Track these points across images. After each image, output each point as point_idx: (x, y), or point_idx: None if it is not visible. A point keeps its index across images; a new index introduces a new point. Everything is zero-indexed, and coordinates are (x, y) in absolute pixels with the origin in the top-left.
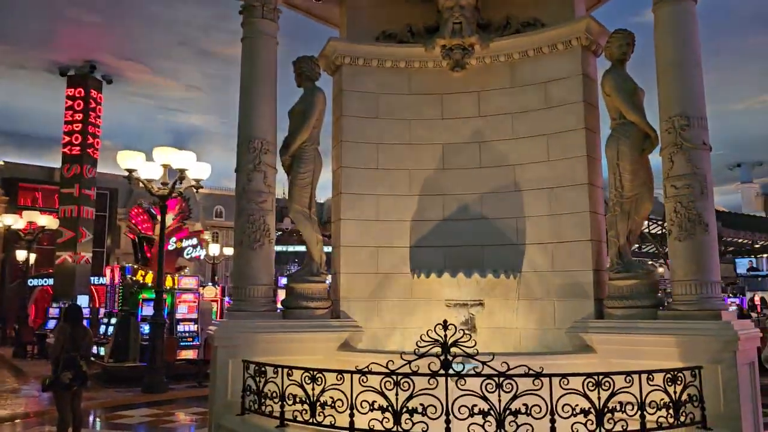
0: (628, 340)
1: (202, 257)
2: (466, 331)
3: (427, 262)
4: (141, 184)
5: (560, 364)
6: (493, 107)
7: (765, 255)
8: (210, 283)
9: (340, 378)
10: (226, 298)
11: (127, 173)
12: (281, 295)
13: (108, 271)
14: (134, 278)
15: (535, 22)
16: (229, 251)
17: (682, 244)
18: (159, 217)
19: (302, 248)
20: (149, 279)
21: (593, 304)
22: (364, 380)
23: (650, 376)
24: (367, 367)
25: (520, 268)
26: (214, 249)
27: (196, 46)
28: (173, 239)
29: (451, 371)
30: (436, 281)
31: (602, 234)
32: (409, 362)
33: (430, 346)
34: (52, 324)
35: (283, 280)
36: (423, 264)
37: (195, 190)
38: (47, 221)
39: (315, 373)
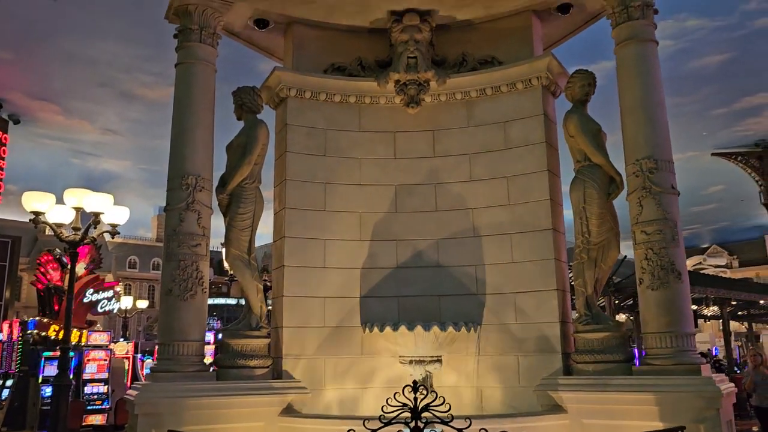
0: (603, 398)
1: (114, 311)
2: (430, 391)
3: (380, 314)
4: (49, 230)
5: (532, 426)
6: (449, 147)
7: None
8: (122, 339)
9: None
10: (139, 355)
11: (33, 216)
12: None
13: (5, 327)
14: (40, 333)
15: (492, 60)
16: (142, 304)
17: (654, 293)
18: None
19: (222, 300)
20: (57, 333)
21: (561, 359)
22: None
23: None
24: None
25: (480, 320)
26: (126, 302)
27: (117, 88)
28: (90, 291)
29: None
30: (390, 335)
31: (566, 283)
32: (374, 431)
33: (399, 411)
34: None
35: (209, 336)
36: (375, 316)
37: (107, 238)
38: None
39: None
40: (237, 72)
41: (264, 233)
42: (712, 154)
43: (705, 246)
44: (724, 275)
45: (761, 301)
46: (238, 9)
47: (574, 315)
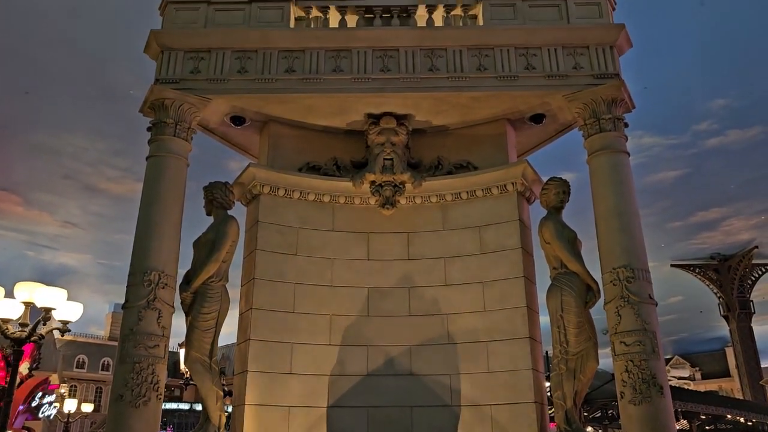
0: None
1: (51, 416)
2: None
3: (348, 426)
4: None
5: None
6: (424, 250)
7: None
8: None
9: None
10: None
11: None
12: None
13: None
14: None
15: (467, 164)
16: (87, 408)
17: (637, 409)
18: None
19: (174, 405)
20: None
21: None
22: None
23: None
24: None
25: None
26: (70, 405)
27: (81, 181)
28: (39, 394)
29: None
30: None
31: (544, 395)
32: None
33: None
34: None
35: None
36: (343, 428)
37: (56, 335)
38: None
39: None
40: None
41: (224, 332)
42: (671, 265)
43: (668, 357)
44: (687, 387)
45: (728, 416)
46: (216, 105)
47: (554, 430)
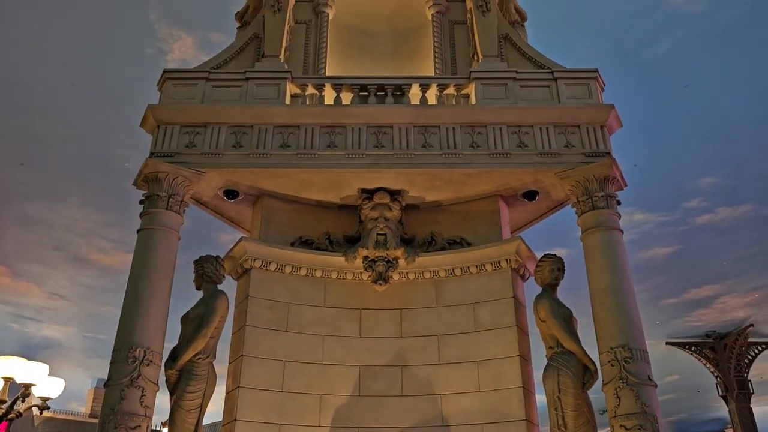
0: None
1: None
2: None
3: None
4: None
5: None
6: (417, 327)
7: None
8: None
9: None
10: None
11: None
12: None
13: None
14: None
15: (461, 240)
16: None
17: None
18: None
19: None
20: None
21: None
22: None
23: None
24: None
25: None
26: None
27: (71, 252)
28: None
29: None
30: None
31: None
32: None
33: None
34: None
35: None
36: None
37: (36, 413)
38: None
39: None
40: (198, 242)
41: (209, 411)
42: (667, 343)
43: None
44: None
45: None
46: (210, 179)
47: None
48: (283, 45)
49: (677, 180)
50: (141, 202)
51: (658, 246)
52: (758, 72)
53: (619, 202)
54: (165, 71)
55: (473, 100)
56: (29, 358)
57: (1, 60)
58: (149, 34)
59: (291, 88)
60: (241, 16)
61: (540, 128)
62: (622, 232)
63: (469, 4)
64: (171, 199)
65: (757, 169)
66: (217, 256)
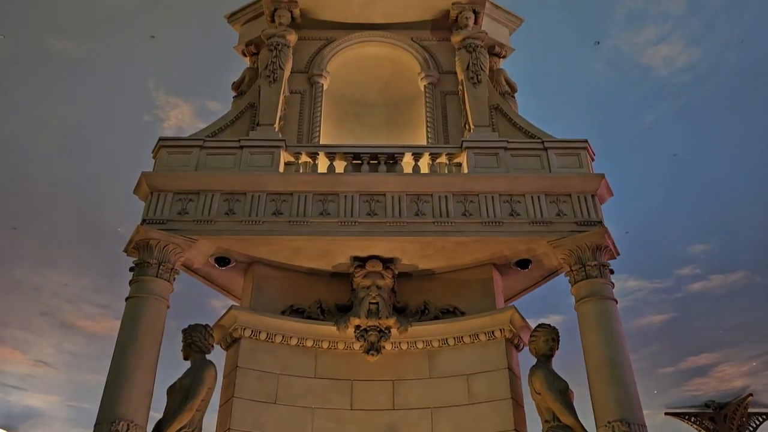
0: None
1: None
2: None
3: None
4: None
5: None
6: (409, 399)
7: None
8: None
9: None
10: None
11: None
12: None
13: None
14: None
15: (454, 309)
16: None
17: None
18: None
19: None
20: None
21: None
22: None
23: None
24: None
25: None
26: None
27: (58, 318)
28: None
29: None
30: None
31: None
32: None
33: None
34: None
35: None
36: None
37: None
38: None
39: None
40: (188, 308)
41: None
42: (666, 413)
43: None
44: None
45: None
46: (201, 246)
47: None
48: (278, 114)
49: (670, 247)
50: (131, 269)
51: (652, 313)
52: (745, 141)
53: (612, 271)
54: (160, 139)
55: (465, 169)
56: (10, 429)
57: None
58: (147, 101)
59: (285, 157)
60: (237, 86)
61: (531, 197)
62: (616, 301)
63: (461, 76)
64: (161, 267)
65: (749, 236)
66: (206, 325)
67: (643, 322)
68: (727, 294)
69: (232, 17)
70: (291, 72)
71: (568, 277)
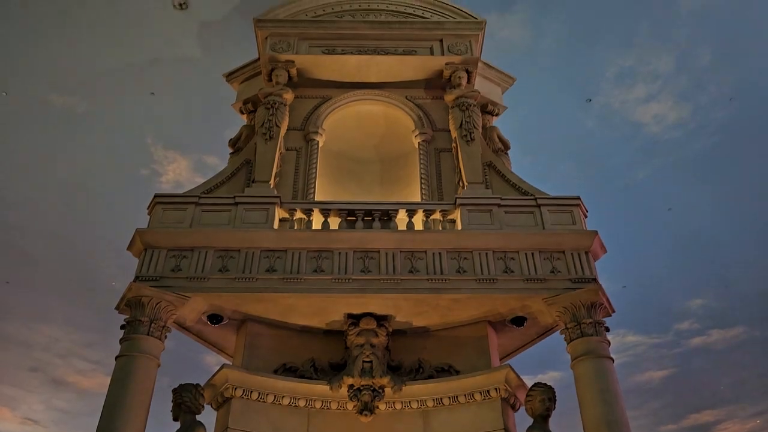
0: None
1: None
2: None
3: None
4: None
5: None
6: None
7: None
8: None
9: None
10: None
11: None
12: None
13: None
14: None
15: (449, 368)
16: None
17: None
18: None
19: None
20: None
21: None
22: None
23: None
24: None
25: None
26: None
27: (49, 374)
28: None
29: None
30: None
31: None
32: None
33: None
34: None
35: None
36: None
37: None
38: None
39: None
40: (180, 364)
41: None
42: None
43: None
44: None
45: None
46: (194, 303)
47: None
48: (274, 171)
49: (667, 301)
50: (122, 327)
51: (652, 369)
52: (739, 196)
53: (607, 329)
54: (155, 195)
55: (459, 226)
56: None
57: None
58: (145, 156)
59: (279, 213)
60: (234, 143)
61: (525, 254)
62: (613, 360)
63: (454, 134)
64: (153, 325)
65: (746, 290)
66: (197, 385)
67: (644, 378)
68: (728, 349)
69: (230, 76)
70: (287, 129)
71: (564, 335)
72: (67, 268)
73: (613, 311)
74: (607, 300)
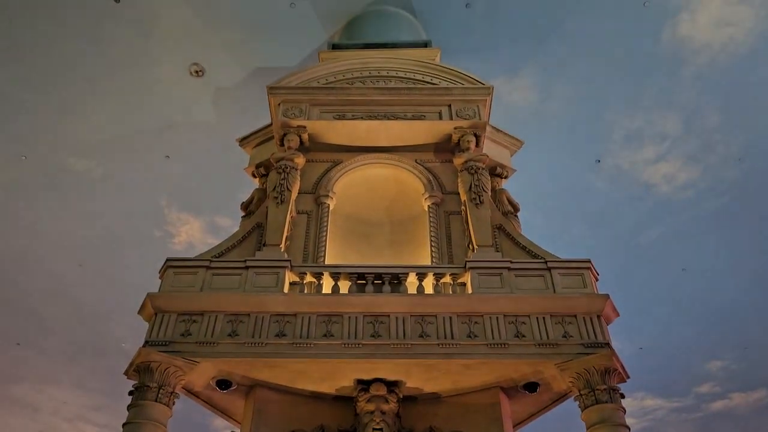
0: None
1: None
2: None
3: None
4: None
5: None
6: None
7: None
8: None
9: None
10: None
11: None
12: None
13: None
14: None
15: None
16: None
17: None
18: None
19: None
20: None
21: None
22: None
23: None
24: None
25: None
26: None
27: None
28: None
29: None
30: None
31: None
32: None
33: None
34: None
35: None
36: None
37: None
38: None
39: None
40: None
41: None
42: None
43: None
44: None
45: None
46: (203, 369)
47: None
48: (284, 234)
49: (686, 364)
50: (130, 393)
51: None
52: (751, 254)
53: (622, 395)
54: (167, 260)
55: (469, 290)
56: None
57: (9, 242)
58: (158, 218)
59: (290, 277)
60: (246, 206)
61: (537, 318)
62: (629, 429)
63: (464, 197)
64: (161, 391)
65: (766, 351)
66: None
67: None
68: (750, 413)
69: (243, 141)
70: (298, 193)
71: (578, 402)
72: (78, 330)
73: (628, 377)
74: (621, 365)
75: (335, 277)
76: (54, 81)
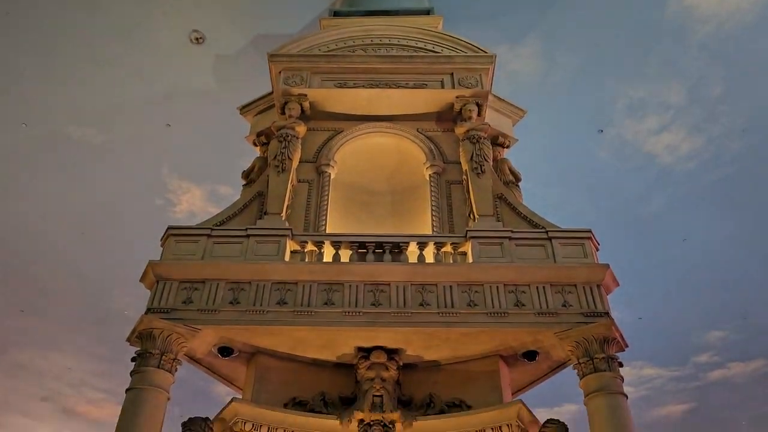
0: None
1: None
2: None
3: None
4: None
5: None
6: None
7: None
8: None
9: None
10: None
11: None
12: None
13: None
14: None
15: (460, 403)
16: None
17: None
18: None
19: None
20: None
21: None
22: None
23: None
24: None
25: None
26: None
27: (60, 403)
28: None
29: None
30: None
31: None
32: None
33: None
34: None
35: None
36: None
37: None
38: None
39: None
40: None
41: None
42: None
43: None
44: None
45: None
46: (205, 336)
47: None
48: (285, 203)
49: (685, 333)
50: (133, 359)
51: (672, 403)
52: (755, 226)
53: (621, 364)
54: (169, 228)
55: (470, 259)
56: None
57: (10, 210)
58: (160, 186)
59: (291, 245)
60: (247, 175)
61: (537, 287)
62: (627, 396)
63: (465, 166)
64: (163, 357)
65: (765, 322)
66: (207, 419)
67: (664, 412)
68: (748, 382)
69: (244, 109)
70: (299, 162)
71: (577, 370)
72: (81, 297)
73: (627, 346)
74: (620, 334)
75: (336, 245)
76: (54, 48)
